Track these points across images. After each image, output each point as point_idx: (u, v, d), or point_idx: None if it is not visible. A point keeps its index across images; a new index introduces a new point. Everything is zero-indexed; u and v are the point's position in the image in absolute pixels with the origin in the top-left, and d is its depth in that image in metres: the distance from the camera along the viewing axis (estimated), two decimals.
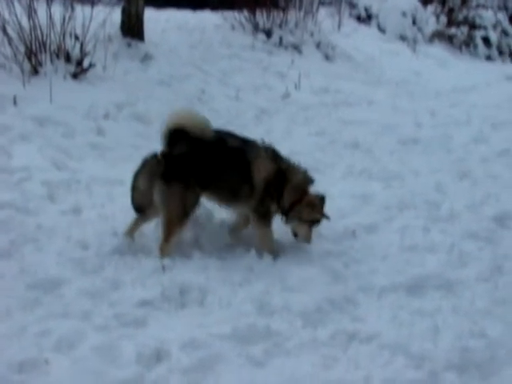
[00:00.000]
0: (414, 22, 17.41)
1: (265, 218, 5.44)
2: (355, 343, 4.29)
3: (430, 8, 18.37)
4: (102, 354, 4.02)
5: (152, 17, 11.81)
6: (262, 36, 13.19)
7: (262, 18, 13.46)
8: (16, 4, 8.68)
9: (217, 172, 5.37)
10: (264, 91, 10.66)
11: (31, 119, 7.48)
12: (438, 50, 17.08)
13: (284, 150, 5.81)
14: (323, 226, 5.84)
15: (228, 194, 5.44)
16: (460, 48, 18.01)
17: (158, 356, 4.04)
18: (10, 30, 8.62)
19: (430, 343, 4.28)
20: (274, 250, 5.42)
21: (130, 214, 5.75)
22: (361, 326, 4.48)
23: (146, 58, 10.40)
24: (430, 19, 17.89)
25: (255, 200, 5.38)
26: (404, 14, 17.30)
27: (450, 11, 18.69)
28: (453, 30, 18.17)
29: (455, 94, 12.48)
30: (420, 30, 17.38)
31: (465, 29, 18.28)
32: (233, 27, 13.44)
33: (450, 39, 18.01)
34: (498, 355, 4.18)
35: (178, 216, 5.24)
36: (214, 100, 9.75)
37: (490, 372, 4.05)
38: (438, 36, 17.79)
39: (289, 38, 13.21)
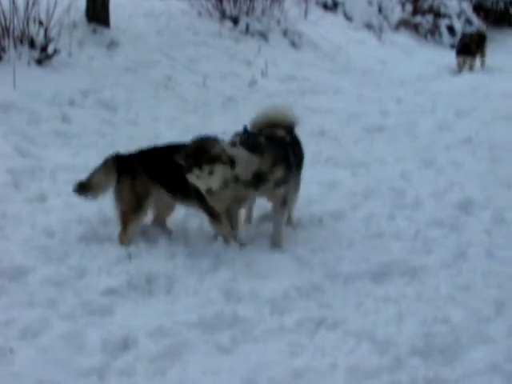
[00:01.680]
0: (380, 11, 17.49)
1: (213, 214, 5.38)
2: (321, 330, 4.33)
3: None
4: (68, 343, 4.01)
5: (118, 2, 11.66)
6: (228, 23, 13.13)
7: (228, 5, 13.39)
8: None
9: (167, 170, 5.35)
10: (231, 79, 10.63)
11: None
12: (404, 38, 17.20)
13: None
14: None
15: (177, 191, 5.41)
16: (425, 36, 18.17)
17: (125, 344, 4.04)
18: None
19: (394, 329, 4.33)
20: (235, 236, 5.40)
21: (96, 202, 5.71)
22: (327, 312, 4.52)
23: (112, 44, 10.29)
24: (396, 7, 17.98)
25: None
26: (370, 3, 17.37)
27: (416, 0, 18.81)
28: (418, 19, 18.30)
29: (420, 82, 12.59)
30: (386, 18, 17.46)
31: (430, 17, 18.43)
32: (200, 14, 13.35)
33: (415, 27, 18.14)
34: (460, 340, 4.25)
35: (130, 206, 5.31)
36: (181, 87, 9.70)
37: (453, 356, 4.11)
38: (403, 24, 17.90)
39: (256, 26, 13.17)
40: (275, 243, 5.41)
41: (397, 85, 12.28)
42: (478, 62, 14.86)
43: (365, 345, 4.15)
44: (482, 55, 14.95)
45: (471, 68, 14.51)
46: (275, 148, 5.27)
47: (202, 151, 4.98)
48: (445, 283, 4.98)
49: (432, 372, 3.90)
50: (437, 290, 4.89)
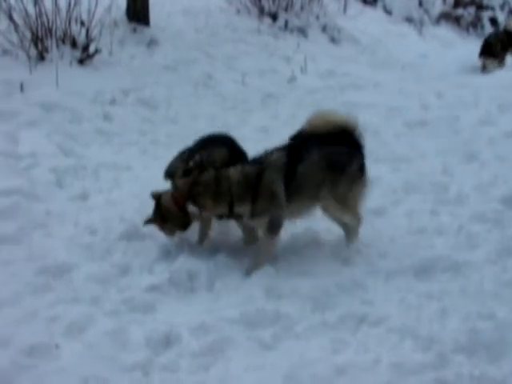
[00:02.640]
0: (420, 4, 17.28)
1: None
2: (364, 327, 4.32)
3: None
4: (112, 339, 4.07)
5: (157, 1, 11.74)
6: (267, 20, 13.08)
7: (267, 1, 13.34)
8: None
9: None
10: (270, 75, 10.60)
11: (38, 105, 7.48)
12: (445, 31, 16.94)
13: (290, 134, 5.79)
14: None
15: None
16: (467, 29, 17.87)
17: (168, 340, 4.09)
18: (16, 17, 8.61)
19: (438, 326, 4.30)
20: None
21: (138, 199, 5.76)
22: (369, 309, 4.50)
23: (152, 42, 10.36)
24: (437, 0, 17.73)
25: None
26: None
27: None
28: (460, 11, 18.01)
29: (462, 76, 12.38)
30: (427, 11, 17.23)
31: (472, 9, 18.12)
32: (238, 11, 13.33)
33: (456, 20, 17.85)
34: (506, 337, 4.18)
35: None
36: (220, 84, 9.71)
37: (498, 354, 4.06)
38: (444, 17, 17.63)
39: (294, 22, 13.11)
40: (250, 268, 4.99)
41: (438, 78, 12.10)
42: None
43: (408, 341, 4.13)
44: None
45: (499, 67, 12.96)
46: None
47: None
48: (489, 279, 4.92)
49: (478, 370, 3.85)
50: (481, 286, 4.83)
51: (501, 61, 13.09)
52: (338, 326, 4.32)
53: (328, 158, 5.23)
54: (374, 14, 16.44)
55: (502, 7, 18.55)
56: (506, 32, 13.61)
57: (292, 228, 5.67)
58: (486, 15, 18.16)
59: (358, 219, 5.45)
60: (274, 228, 5.05)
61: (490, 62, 12.98)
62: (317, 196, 5.22)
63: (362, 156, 5.44)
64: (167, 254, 5.06)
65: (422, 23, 16.69)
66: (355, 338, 4.22)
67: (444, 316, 4.39)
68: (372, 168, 7.05)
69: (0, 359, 3.79)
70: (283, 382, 3.81)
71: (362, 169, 5.41)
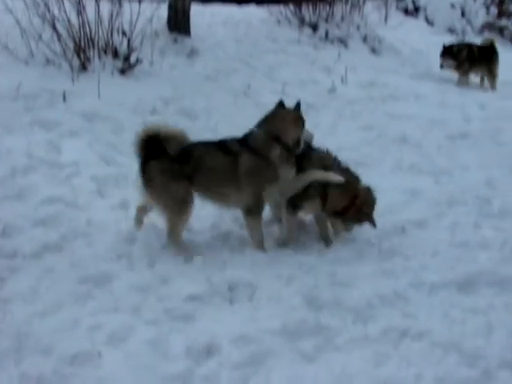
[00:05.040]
0: (463, 14, 17.12)
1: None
2: (407, 340, 4.25)
3: None
4: (153, 348, 4.06)
5: (198, 12, 11.82)
6: (307, 30, 13.09)
7: (307, 11, 13.37)
8: (65, 1, 8.77)
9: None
10: (310, 86, 10.58)
11: (80, 115, 7.54)
12: None
13: (330, 144, 5.78)
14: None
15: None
16: (510, 40, 17.67)
17: (208, 350, 4.06)
18: (59, 27, 8.73)
19: (483, 341, 4.22)
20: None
21: None
22: (412, 322, 4.43)
23: (192, 53, 10.43)
24: (480, 11, 17.54)
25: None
26: (453, 6, 17.01)
27: (501, 2, 18.30)
28: (503, 22, 17.82)
29: (505, 87, 12.23)
30: (469, 22, 17.08)
31: None
32: (278, 21, 13.38)
33: (500, 31, 17.66)
34: None
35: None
36: (260, 94, 9.71)
37: None
38: (487, 28, 17.45)
39: (335, 32, 13.09)
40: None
41: (480, 90, 11.97)
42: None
43: (452, 356, 4.06)
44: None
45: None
46: None
47: None
48: None
49: None
50: None
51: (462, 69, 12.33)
52: (380, 339, 4.26)
53: None
54: (416, 24, 16.35)
55: None
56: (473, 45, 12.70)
57: (333, 239, 5.65)
58: None
59: None
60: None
61: (448, 64, 12.30)
62: None
63: None
64: (208, 264, 5.04)
65: (464, 34, 16.53)
66: (397, 351, 4.15)
67: (489, 331, 4.31)
68: (414, 180, 7.05)
69: (43, 367, 3.82)
70: None
71: None
